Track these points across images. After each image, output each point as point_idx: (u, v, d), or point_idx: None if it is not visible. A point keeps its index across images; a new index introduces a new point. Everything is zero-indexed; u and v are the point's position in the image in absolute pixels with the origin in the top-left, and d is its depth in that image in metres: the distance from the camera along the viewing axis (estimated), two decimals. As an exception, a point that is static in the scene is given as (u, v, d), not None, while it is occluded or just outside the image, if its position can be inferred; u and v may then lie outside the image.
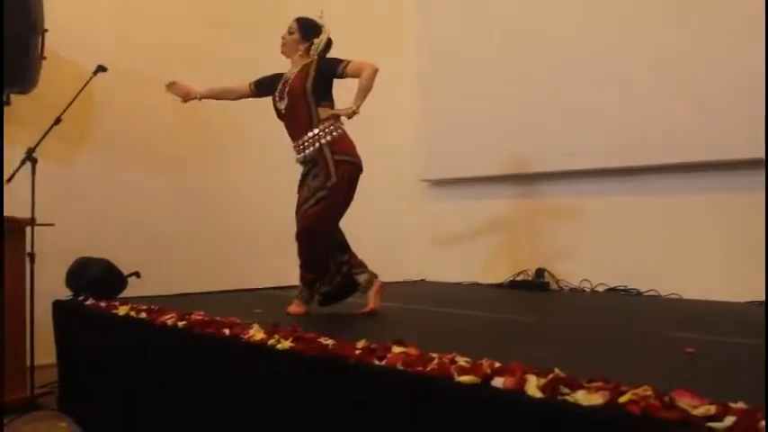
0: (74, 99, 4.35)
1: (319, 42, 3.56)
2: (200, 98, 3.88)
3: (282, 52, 3.64)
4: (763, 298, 3.81)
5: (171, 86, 3.86)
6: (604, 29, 4.59)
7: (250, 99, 3.88)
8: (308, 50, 3.56)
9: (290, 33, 3.58)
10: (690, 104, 4.17)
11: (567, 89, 4.73)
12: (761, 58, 3.83)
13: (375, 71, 3.37)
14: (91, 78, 4.43)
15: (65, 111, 4.25)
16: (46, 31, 4.91)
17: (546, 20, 4.91)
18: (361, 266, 3.52)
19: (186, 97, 3.86)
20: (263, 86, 3.75)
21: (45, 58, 4.93)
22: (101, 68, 4.41)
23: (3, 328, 3.74)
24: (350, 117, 3.33)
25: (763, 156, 3.80)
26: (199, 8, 6.60)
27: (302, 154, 3.47)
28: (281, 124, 3.61)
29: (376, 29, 5.94)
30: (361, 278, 3.49)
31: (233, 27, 6.70)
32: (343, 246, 3.55)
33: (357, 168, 3.45)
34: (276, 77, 3.67)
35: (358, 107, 3.32)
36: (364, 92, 3.35)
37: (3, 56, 4.44)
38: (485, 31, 5.27)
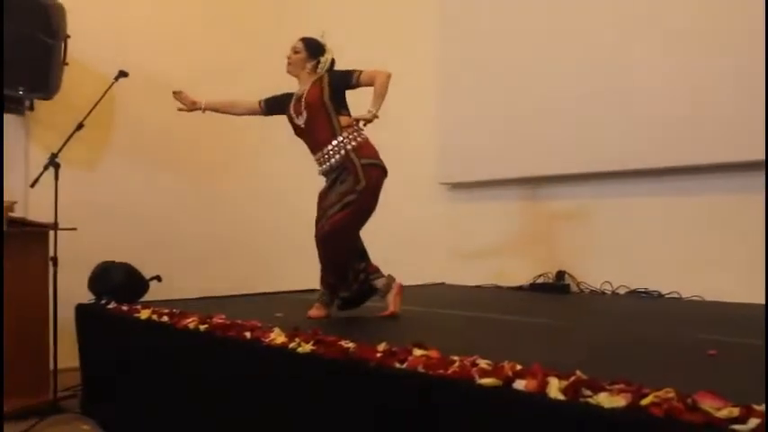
0: (96, 104, 4.38)
1: (325, 61, 3.60)
2: (204, 110, 3.87)
3: (289, 71, 3.65)
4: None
5: (177, 94, 3.85)
6: (623, 35, 4.58)
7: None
8: (314, 68, 3.59)
9: (296, 53, 3.60)
10: (711, 106, 4.14)
11: (585, 92, 4.71)
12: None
13: (389, 77, 3.41)
14: (112, 84, 4.46)
15: (87, 116, 4.28)
16: (68, 37, 4.97)
17: (564, 25, 4.89)
18: (377, 272, 3.54)
19: (191, 107, 3.86)
20: (274, 106, 3.76)
21: (67, 63, 5.00)
22: (122, 74, 4.45)
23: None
24: (369, 122, 3.34)
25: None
26: (222, 13, 6.64)
27: (327, 164, 3.46)
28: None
29: (397, 34, 5.95)
30: (379, 283, 3.50)
31: (257, 33, 6.73)
32: (362, 253, 3.56)
33: (383, 172, 3.46)
34: (286, 97, 3.68)
35: (377, 111, 3.34)
36: (381, 97, 3.38)
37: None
38: (503, 37, 5.26)
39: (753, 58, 3.96)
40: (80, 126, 4.24)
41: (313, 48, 3.60)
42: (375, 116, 3.33)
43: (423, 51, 5.75)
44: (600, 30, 4.70)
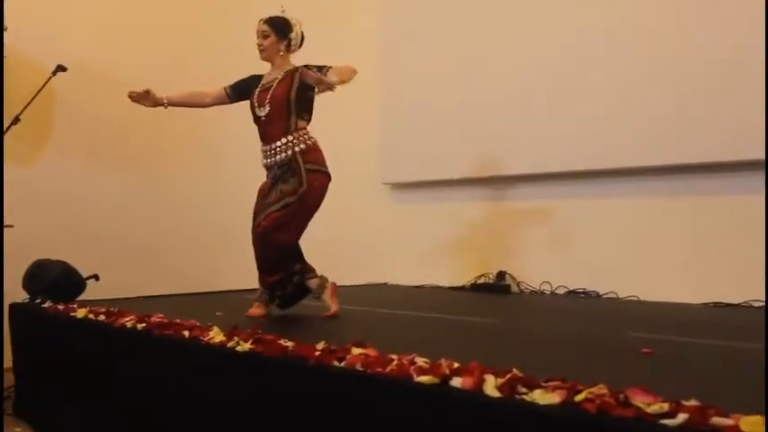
0: (32, 99, 4.28)
1: (296, 36, 3.50)
2: (167, 105, 3.60)
3: (263, 58, 3.52)
4: (717, 299, 3.93)
5: (140, 96, 3.53)
6: (568, 33, 4.63)
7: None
8: (288, 47, 3.50)
9: (266, 37, 3.46)
10: (649, 109, 4.22)
11: (528, 92, 4.76)
12: (724, 60, 3.92)
13: (354, 70, 3.31)
14: (50, 78, 4.36)
15: (23, 110, 4.18)
16: (5, 29, 4.83)
17: (509, 24, 4.94)
18: (312, 272, 3.50)
19: (154, 105, 3.57)
20: (240, 91, 3.62)
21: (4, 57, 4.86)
22: (60, 68, 4.36)
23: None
24: (328, 88, 3.16)
25: (715, 160, 3.92)
26: (163, 3, 6.53)
27: (273, 159, 3.41)
28: (244, 130, 3.56)
29: (338, 31, 5.92)
30: (313, 283, 3.47)
31: (199, 23, 6.64)
32: (298, 255, 3.51)
33: (327, 178, 3.45)
34: (252, 80, 3.58)
35: (335, 83, 3.17)
36: (340, 75, 3.24)
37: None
38: (447, 34, 5.28)
39: (706, 58, 4.06)
40: (16, 121, 4.14)
41: (280, 27, 3.48)
42: (333, 83, 3.16)
43: (364, 46, 5.72)
44: (545, 29, 4.74)
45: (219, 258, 6.43)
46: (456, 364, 1.72)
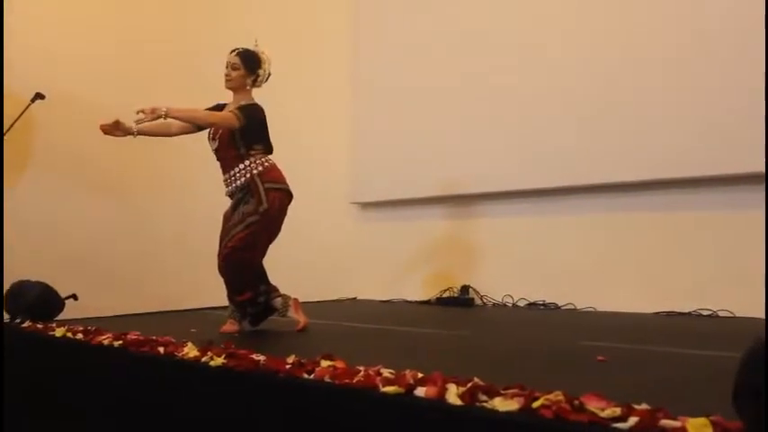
0: (11, 126, 4.23)
1: (264, 73, 3.48)
2: (136, 134, 3.53)
3: (228, 87, 3.47)
4: (669, 309, 3.98)
5: (110, 128, 3.49)
6: (532, 60, 4.69)
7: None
8: (254, 82, 3.47)
9: (235, 69, 3.42)
10: (603, 128, 4.28)
11: (491, 114, 4.81)
12: (680, 79, 4.00)
13: (224, 119, 3.34)
14: (28, 106, 4.32)
15: (2, 137, 4.12)
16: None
17: (475, 50, 4.98)
18: (276, 291, 3.49)
19: (124, 134, 3.52)
20: None
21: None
22: (39, 96, 4.32)
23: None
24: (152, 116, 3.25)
25: (657, 177, 3.96)
26: (138, 33, 6.49)
27: (233, 185, 3.41)
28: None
29: (308, 52, 5.91)
30: (277, 303, 3.47)
31: (175, 53, 6.61)
32: (262, 276, 3.49)
33: (288, 195, 3.43)
34: (216, 109, 3.52)
35: (166, 111, 3.25)
36: (190, 112, 3.37)
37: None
38: (416, 55, 5.31)
39: (656, 74, 4.13)
40: (-6, 146, 4.09)
41: (250, 61, 3.44)
42: (156, 113, 3.25)
43: (335, 69, 5.73)
44: (511, 52, 4.78)
45: (193, 277, 6.36)
46: (420, 375, 1.72)
